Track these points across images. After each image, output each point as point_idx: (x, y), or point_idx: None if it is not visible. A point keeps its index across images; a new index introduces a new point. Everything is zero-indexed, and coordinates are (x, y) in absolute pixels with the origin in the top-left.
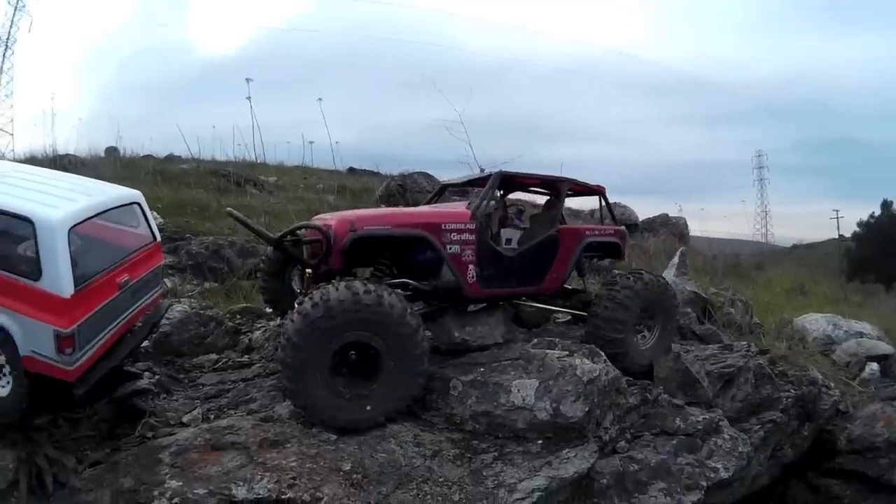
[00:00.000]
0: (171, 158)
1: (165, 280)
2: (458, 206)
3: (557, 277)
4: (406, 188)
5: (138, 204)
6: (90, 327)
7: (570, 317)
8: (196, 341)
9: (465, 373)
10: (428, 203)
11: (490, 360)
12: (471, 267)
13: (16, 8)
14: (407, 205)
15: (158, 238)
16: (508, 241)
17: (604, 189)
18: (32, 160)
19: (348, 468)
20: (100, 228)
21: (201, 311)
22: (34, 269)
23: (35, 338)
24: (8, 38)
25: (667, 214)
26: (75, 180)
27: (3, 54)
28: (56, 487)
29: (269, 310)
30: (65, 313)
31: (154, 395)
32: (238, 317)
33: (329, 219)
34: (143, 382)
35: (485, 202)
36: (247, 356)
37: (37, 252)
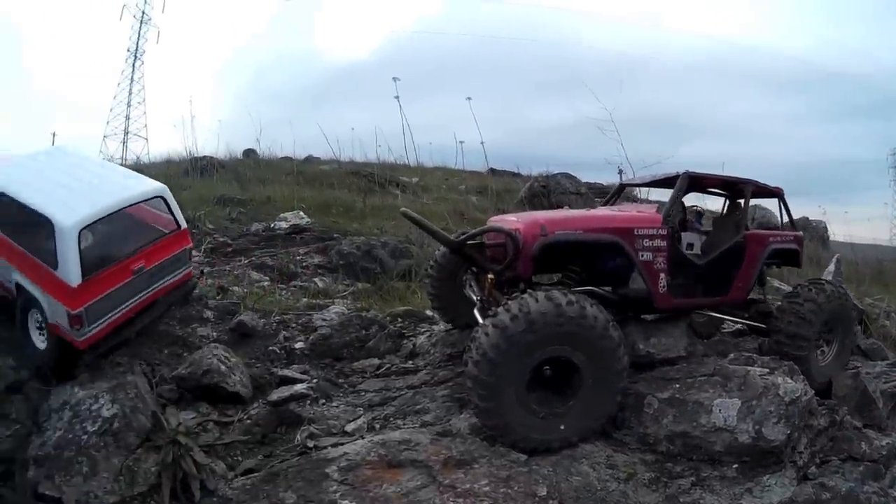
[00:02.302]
0: (309, 160)
1: (315, 280)
2: (648, 210)
3: (743, 287)
4: (550, 189)
5: (163, 197)
6: (99, 308)
7: (738, 326)
8: (357, 345)
9: (659, 389)
10: (607, 203)
11: (684, 375)
12: (662, 275)
13: (142, 21)
14: (551, 206)
15: (183, 225)
16: (690, 245)
17: (783, 191)
18: (169, 162)
19: (544, 493)
20: (121, 218)
21: (362, 314)
22: (53, 259)
23: (56, 312)
24: (136, 50)
25: (806, 217)
26: (108, 176)
27: (133, 65)
28: (203, 494)
29: (429, 313)
30: (74, 298)
31: (312, 401)
32: (400, 320)
33: (515, 221)
34: (301, 387)
35: (675, 206)
36: (411, 362)
37: (54, 246)
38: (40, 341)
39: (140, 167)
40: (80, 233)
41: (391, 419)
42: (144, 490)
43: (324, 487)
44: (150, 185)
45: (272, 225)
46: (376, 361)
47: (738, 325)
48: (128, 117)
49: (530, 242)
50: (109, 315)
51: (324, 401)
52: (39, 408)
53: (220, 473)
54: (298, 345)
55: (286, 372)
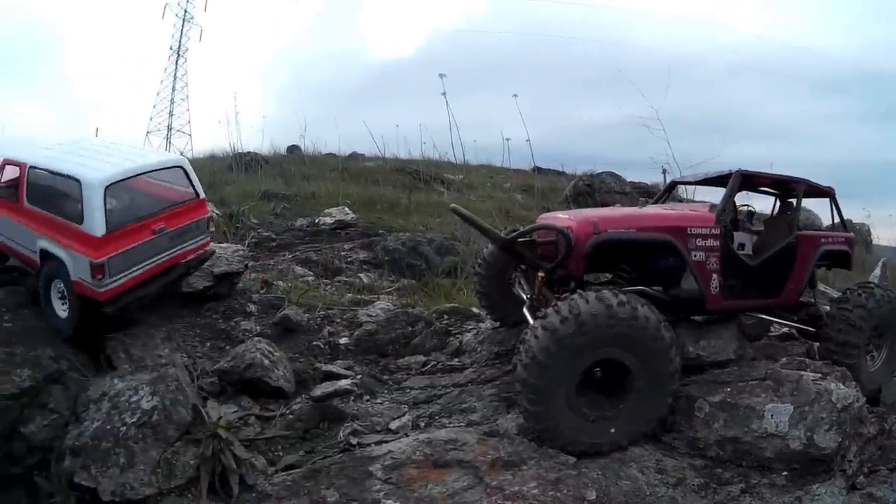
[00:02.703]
0: (354, 157)
1: (360, 275)
2: (701, 208)
3: (795, 289)
4: (594, 188)
5: (182, 168)
6: (121, 261)
7: (785, 329)
8: (402, 341)
9: (711, 393)
10: (658, 201)
11: (735, 378)
12: (714, 276)
13: (184, 20)
14: (595, 205)
15: (202, 195)
16: (741, 246)
17: (834, 191)
18: (213, 158)
19: (593, 497)
20: (143, 186)
21: (408, 310)
22: (79, 215)
23: (80, 266)
24: (179, 48)
25: (850, 220)
26: (130, 151)
27: (176, 62)
28: (241, 489)
29: (476, 310)
30: (97, 248)
31: (356, 397)
32: (446, 317)
33: (566, 219)
34: (345, 383)
35: (728, 205)
36: (457, 360)
37: (81, 203)
38: (62, 310)
39: None
40: (105, 189)
41: (436, 417)
42: (182, 483)
43: (367, 486)
44: (170, 156)
45: (316, 220)
46: (422, 358)
47: (785, 329)
48: (171, 114)
49: (583, 241)
50: (130, 270)
51: (368, 397)
52: (78, 398)
53: (259, 468)
54: (343, 340)
55: (330, 367)
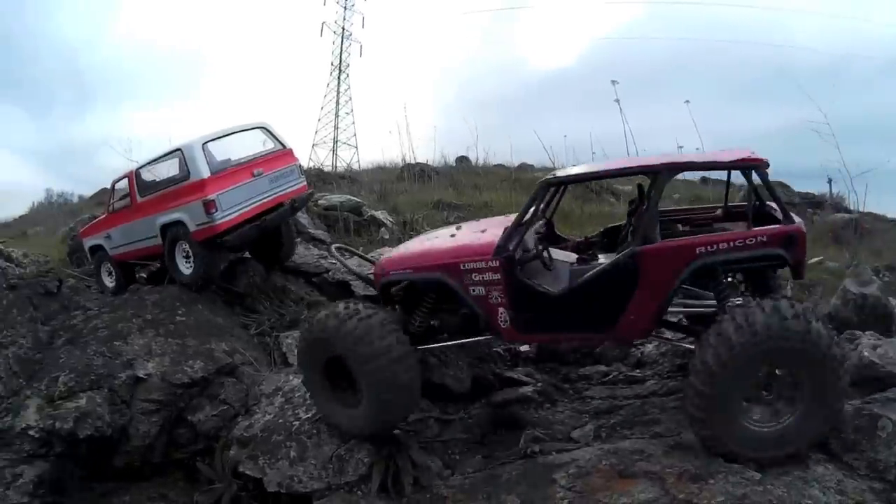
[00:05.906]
0: (523, 167)
1: None
2: (495, 229)
3: (637, 321)
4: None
5: (264, 128)
6: (228, 198)
7: None
8: (584, 350)
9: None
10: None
11: None
12: (500, 310)
13: (342, 37)
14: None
15: (287, 146)
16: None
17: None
18: (381, 169)
19: None
20: (235, 142)
21: None
22: (186, 173)
23: (195, 214)
24: (340, 64)
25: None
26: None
27: (339, 78)
28: (414, 490)
29: None
30: (206, 188)
31: (536, 405)
32: None
33: (384, 256)
34: (526, 390)
35: (519, 227)
36: (638, 371)
37: (186, 164)
38: (186, 268)
39: (352, 174)
40: (203, 146)
41: (618, 428)
42: (353, 480)
43: (550, 493)
44: (251, 122)
45: None
46: (603, 368)
47: None
48: (336, 127)
49: (377, 281)
50: (240, 206)
51: (548, 405)
52: (250, 391)
53: (435, 471)
54: (524, 348)
55: (511, 374)
